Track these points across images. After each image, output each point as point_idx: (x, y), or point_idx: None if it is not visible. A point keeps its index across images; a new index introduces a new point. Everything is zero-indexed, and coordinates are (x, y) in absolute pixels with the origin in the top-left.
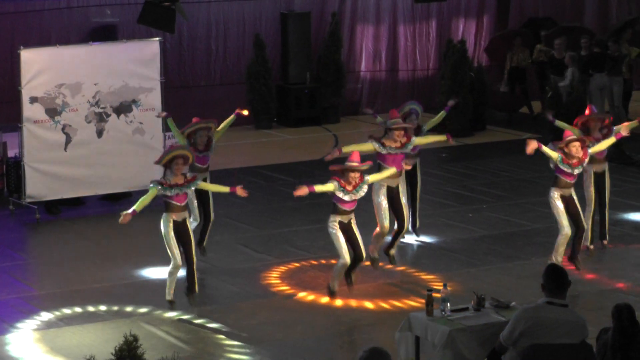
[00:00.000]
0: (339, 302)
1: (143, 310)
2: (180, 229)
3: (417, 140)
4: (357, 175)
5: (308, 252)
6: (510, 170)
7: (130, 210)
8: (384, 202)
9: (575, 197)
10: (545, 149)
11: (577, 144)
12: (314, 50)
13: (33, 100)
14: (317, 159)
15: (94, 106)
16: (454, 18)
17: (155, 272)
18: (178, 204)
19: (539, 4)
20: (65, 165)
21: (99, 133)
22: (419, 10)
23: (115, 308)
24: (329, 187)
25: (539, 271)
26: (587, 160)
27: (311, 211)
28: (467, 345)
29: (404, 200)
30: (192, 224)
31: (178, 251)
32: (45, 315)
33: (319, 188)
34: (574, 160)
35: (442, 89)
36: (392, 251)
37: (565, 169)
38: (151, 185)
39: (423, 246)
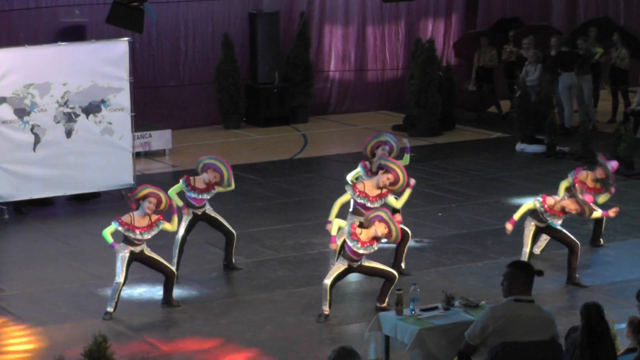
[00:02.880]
0: (308, 302)
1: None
2: (138, 258)
3: (390, 201)
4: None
5: (277, 252)
6: (479, 169)
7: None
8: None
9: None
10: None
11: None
12: (283, 50)
13: (1, 100)
14: (286, 158)
15: (63, 106)
16: (422, 18)
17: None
18: (137, 243)
19: (507, 4)
20: (34, 166)
21: (68, 133)
22: (388, 10)
23: (85, 308)
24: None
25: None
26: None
27: (280, 211)
28: (436, 344)
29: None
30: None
31: (125, 274)
32: (14, 316)
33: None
34: (559, 213)
35: (411, 88)
36: (403, 264)
37: (544, 217)
38: (113, 223)
39: (393, 245)
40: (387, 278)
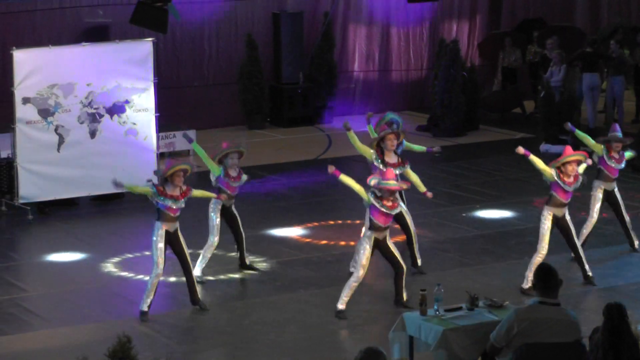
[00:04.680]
0: (331, 302)
1: (136, 310)
2: (172, 239)
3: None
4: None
5: (301, 252)
6: (503, 169)
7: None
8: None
9: (568, 218)
10: (534, 160)
11: (573, 163)
12: (307, 50)
13: (25, 100)
14: (310, 159)
15: (87, 107)
16: (446, 18)
17: (147, 272)
18: (171, 214)
19: (530, 5)
20: (58, 166)
21: (92, 134)
22: (412, 11)
23: (109, 309)
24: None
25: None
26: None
27: (304, 211)
28: (460, 344)
29: (403, 207)
30: (208, 245)
31: (163, 260)
32: (38, 317)
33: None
34: (570, 179)
35: (435, 88)
36: (419, 261)
37: (561, 185)
38: (149, 185)
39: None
40: (397, 269)
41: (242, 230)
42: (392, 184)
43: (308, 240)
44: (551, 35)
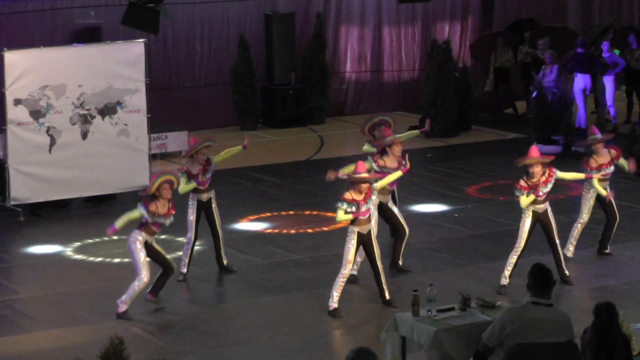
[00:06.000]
0: (325, 303)
1: (128, 312)
2: (149, 248)
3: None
4: (367, 185)
5: (294, 253)
6: (495, 170)
7: (111, 227)
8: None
9: (551, 215)
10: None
11: (538, 168)
12: (299, 51)
13: (17, 102)
14: (302, 159)
15: (79, 108)
16: (439, 19)
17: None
18: (154, 229)
19: (522, 6)
20: (50, 168)
21: (84, 135)
22: (404, 11)
23: (101, 310)
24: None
25: (524, 271)
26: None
27: (296, 212)
28: (453, 345)
29: (395, 209)
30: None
31: (147, 267)
32: (30, 318)
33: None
34: (534, 180)
35: (427, 89)
36: (401, 261)
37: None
38: (139, 207)
39: (409, 246)
40: (374, 269)
41: (219, 229)
42: (364, 175)
43: (300, 241)
44: (543, 36)
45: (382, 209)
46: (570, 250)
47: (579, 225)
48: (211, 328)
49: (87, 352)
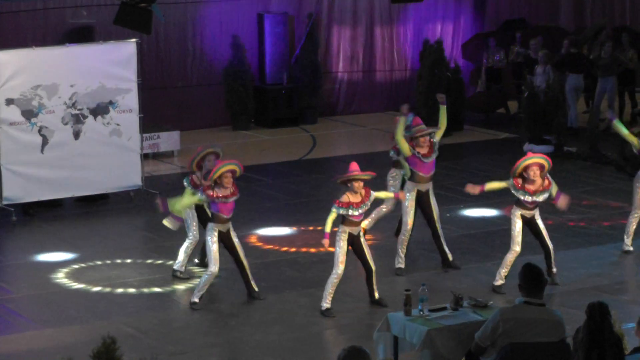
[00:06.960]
0: (317, 302)
1: (121, 311)
2: (224, 238)
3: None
4: (362, 184)
5: (286, 253)
6: (487, 169)
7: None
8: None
9: (539, 222)
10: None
11: (535, 168)
12: (291, 51)
13: (9, 102)
14: (294, 159)
15: (71, 108)
16: (430, 19)
17: (132, 274)
18: (224, 215)
19: (514, 6)
20: (42, 167)
21: (76, 135)
22: (396, 11)
23: (93, 310)
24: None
25: (516, 270)
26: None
27: (288, 212)
28: (445, 344)
29: (433, 200)
30: (186, 243)
31: (218, 258)
32: (22, 318)
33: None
34: (531, 187)
35: (419, 89)
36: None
37: (520, 196)
38: (199, 193)
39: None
40: (366, 269)
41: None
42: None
43: (293, 240)
44: (535, 36)
45: (422, 199)
46: (627, 244)
47: (634, 218)
48: (203, 327)
49: (80, 352)
